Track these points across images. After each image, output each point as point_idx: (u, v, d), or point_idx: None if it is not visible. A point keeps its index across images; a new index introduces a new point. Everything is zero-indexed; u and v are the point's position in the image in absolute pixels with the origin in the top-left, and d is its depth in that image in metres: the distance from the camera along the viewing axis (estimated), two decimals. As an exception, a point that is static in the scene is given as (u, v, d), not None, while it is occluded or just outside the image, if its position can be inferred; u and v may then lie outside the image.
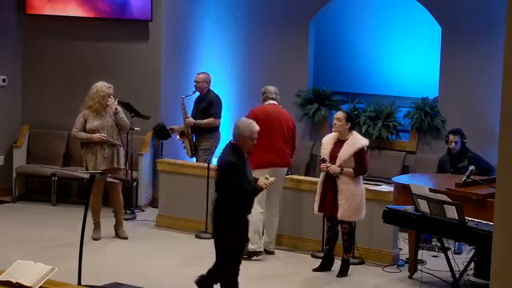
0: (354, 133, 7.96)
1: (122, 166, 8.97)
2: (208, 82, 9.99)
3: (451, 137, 8.87)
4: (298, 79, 10.68)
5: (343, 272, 7.86)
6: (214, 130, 9.93)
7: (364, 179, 8.57)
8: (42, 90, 10.84)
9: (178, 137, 10.01)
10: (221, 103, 9.99)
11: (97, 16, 10.60)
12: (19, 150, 10.73)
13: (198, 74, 10.08)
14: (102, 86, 8.79)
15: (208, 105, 9.91)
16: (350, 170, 7.72)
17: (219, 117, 9.95)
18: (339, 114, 7.94)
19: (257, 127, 6.53)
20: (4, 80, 10.74)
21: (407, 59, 11.20)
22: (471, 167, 7.63)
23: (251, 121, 6.60)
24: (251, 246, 8.31)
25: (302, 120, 10.51)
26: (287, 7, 10.71)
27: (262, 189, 6.60)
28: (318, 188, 7.87)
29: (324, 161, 7.84)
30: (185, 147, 10.03)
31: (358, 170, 7.77)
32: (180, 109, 9.95)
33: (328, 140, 7.98)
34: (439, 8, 9.95)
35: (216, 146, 9.95)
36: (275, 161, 8.36)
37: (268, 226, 8.49)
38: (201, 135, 9.95)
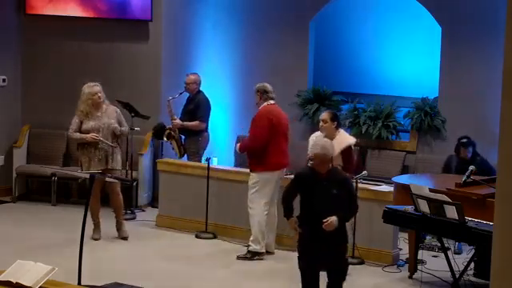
0: (341, 131, 7.96)
1: (118, 167, 8.93)
2: (198, 83, 9.92)
3: (462, 150, 8.90)
4: (298, 79, 10.68)
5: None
6: (200, 132, 9.87)
7: (364, 179, 8.57)
8: (42, 90, 10.84)
9: (165, 139, 9.97)
10: (209, 106, 9.93)
11: (97, 16, 10.60)
12: (19, 150, 10.73)
13: (187, 74, 10.03)
14: (88, 89, 8.74)
15: (195, 107, 9.86)
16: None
17: (205, 120, 9.88)
18: (324, 116, 7.94)
19: (313, 150, 6.30)
20: (4, 80, 10.73)
21: (407, 59, 11.21)
22: (471, 167, 7.63)
23: (317, 142, 6.41)
24: (254, 247, 8.31)
25: (302, 120, 10.50)
26: (287, 7, 10.70)
27: (288, 219, 6.51)
28: None
29: (311, 159, 7.83)
30: (173, 149, 10.01)
31: (346, 168, 7.75)
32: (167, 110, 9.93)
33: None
34: (439, 8, 9.95)
35: (204, 149, 9.91)
36: (283, 162, 8.36)
37: (268, 226, 8.48)
38: (188, 137, 9.93)
